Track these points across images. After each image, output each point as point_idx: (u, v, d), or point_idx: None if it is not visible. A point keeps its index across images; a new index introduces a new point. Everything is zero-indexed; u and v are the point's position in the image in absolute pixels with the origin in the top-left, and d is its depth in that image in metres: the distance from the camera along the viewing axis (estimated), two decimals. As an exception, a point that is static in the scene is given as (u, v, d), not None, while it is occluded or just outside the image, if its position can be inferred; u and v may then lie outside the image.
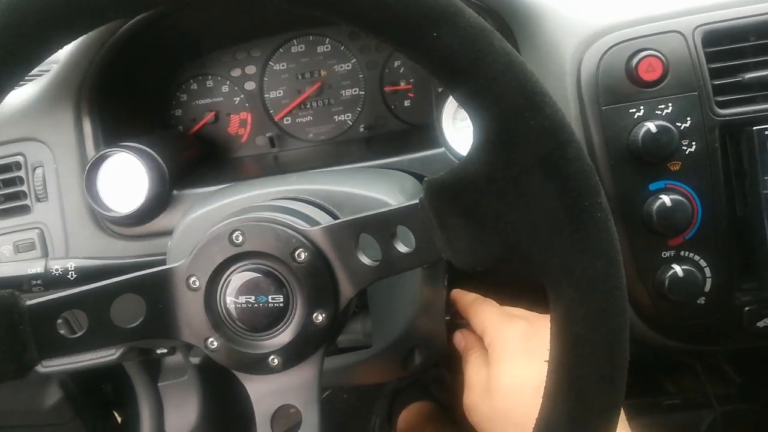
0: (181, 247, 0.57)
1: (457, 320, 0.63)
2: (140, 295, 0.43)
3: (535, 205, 0.33)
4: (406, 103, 0.82)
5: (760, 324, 0.55)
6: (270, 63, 0.82)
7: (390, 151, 0.69)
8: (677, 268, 0.54)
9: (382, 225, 0.41)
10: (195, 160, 0.77)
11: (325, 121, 0.83)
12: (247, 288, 0.44)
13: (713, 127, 0.53)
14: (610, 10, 0.60)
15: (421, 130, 0.80)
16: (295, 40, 0.81)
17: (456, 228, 0.36)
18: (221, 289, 0.44)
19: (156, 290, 0.44)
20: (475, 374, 0.53)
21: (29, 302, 0.41)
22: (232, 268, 0.44)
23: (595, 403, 0.33)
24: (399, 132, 0.82)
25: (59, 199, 0.69)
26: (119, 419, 1.37)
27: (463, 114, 0.63)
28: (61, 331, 0.41)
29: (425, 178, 0.38)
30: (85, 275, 0.57)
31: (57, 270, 0.56)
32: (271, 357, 0.44)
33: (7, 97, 0.38)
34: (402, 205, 0.39)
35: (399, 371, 0.62)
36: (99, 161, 0.66)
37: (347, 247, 0.42)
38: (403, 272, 0.42)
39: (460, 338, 0.59)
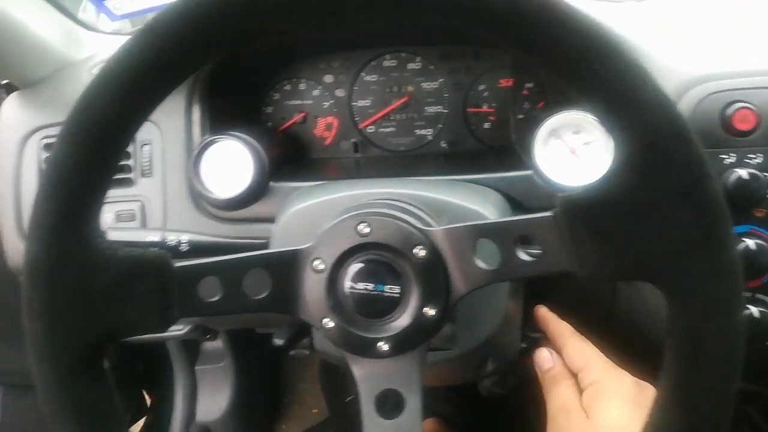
0: (287, 233, 0.61)
1: (530, 334, 0.66)
2: (268, 270, 0.47)
3: (671, 230, 0.36)
4: (486, 125, 0.86)
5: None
6: (362, 74, 0.87)
7: (471, 168, 0.73)
8: (754, 309, 0.57)
9: (507, 232, 0.44)
10: (285, 156, 0.82)
11: (407, 134, 0.88)
12: (367, 275, 0.48)
13: None
14: (706, 60, 0.64)
15: (498, 152, 0.84)
16: (388, 55, 0.86)
17: (589, 243, 0.40)
18: (343, 274, 0.48)
19: (282, 268, 0.48)
20: (569, 399, 0.55)
21: (177, 264, 0.45)
22: (355, 256, 0.48)
23: (708, 416, 0.37)
24: (477, 151, 0.86)
25: (163, 176, 0.73)
26: (148, 400, 1.41)
27: (552, 141, 0.68)
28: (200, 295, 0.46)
29: (559, 194, 0.42)
30: (195, 249, 0.62)
31: (171, 241, 0.60)
32: (381, 342, 0.47)
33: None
34: (532, 216, 0.43)
35: (473, 376, 0.66)
36: (208, 145, 0.70)
37: (465, 249, 0.46)
38: (517, 279, 0.46)
39: (549, 358, 0.59)
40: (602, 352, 0.58)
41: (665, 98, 0.36)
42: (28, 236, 0.41)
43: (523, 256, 0.44)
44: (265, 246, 0.63)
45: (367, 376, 0.48)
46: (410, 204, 0.58)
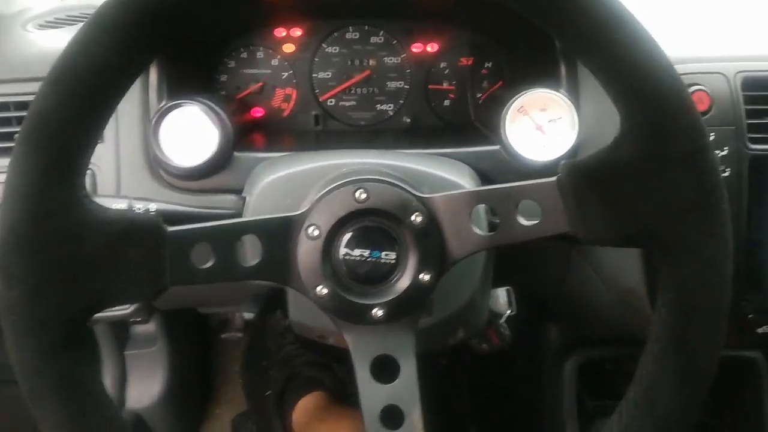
0: (261, 206, 0.59)
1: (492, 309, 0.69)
2: (260, 237, 0.46)
3: (673, 193, 0.39)
4: (446, 102, 0.87)
5: (760, 330, 0.65)
6: (323, 45, 0.85)
7: (434, 143, 0.74)
8: None
9: (507, 198, 0.45)
10: (245, 126, 0.79)
11: (368, 108, 0.87)
12: (363, 242, 0.47)
13: (744, 158, 0.63)
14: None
15: (458, 129, 0.86)
16: (351, 27, 0.85)
17: (592, 207, 0.41)
18: (338, 241, 0.48)
19: (275, 235, 0.46)
20: None
21: (170, 229, 0.42)
22: (351, 222, 0.48)
23: (700, 364, 0.40)
24: (438, 127, 0.87)
25: (116, 143, 0.68)
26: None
27: (519, 118, 0.70)
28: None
29: (563, 161, 0.43)
30: (165, 219, 0.58)
31: (139, 209, 0.56)
32: (376, 309, 0.47)
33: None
34: (535, 182, 0.45)
35: (442, 344, 0.67)
36: (169, 110, 0.66)
37: (462, 215, 0.47)
38: (514, 243, 0.47)
39: None
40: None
41: (673, 69, 0.39)
42: (5, 195, 0.37)
43: (522, 220, 0.45)
44: (235, 216, 0.61)
45: (361, 343, 0.48)
46: (395, 172, 0.58)
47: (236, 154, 0.69)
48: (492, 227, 0.48)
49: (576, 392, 1.01)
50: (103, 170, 0.68)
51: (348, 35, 0.85)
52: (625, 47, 0.38)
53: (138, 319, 0.93)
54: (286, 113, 0.86)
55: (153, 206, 0.58)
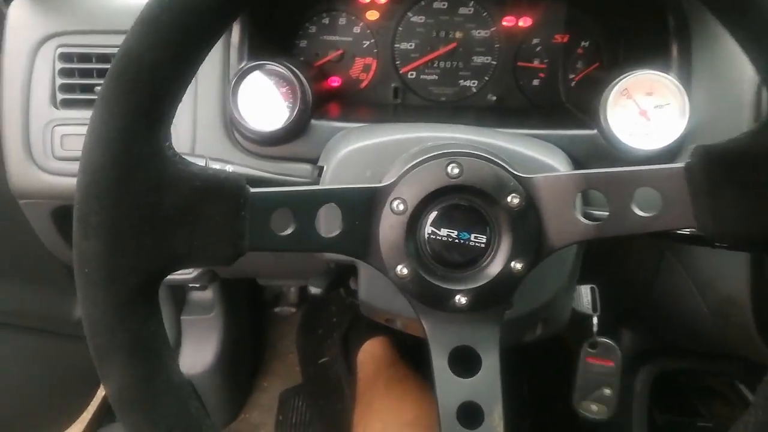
0: (339, 176, 0.56)
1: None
2: (342, 207, 0.42)
3: None
4: (535, 82, 0.81)
5: None
6: (408, 14, 0.80)
7: (522, 124, 0.68)
8: None
9: (622, 183, 0.40)
10: (323, 93, 0.76)
11: (450, 83, 0.82)
12: (452, 221, 0.44)
13: None
14: None
15: (548, 111, 0.80)
16: (440, -5, 0.80)
17: (728, 200, 0.36)
18: (425, 218, 0.44)
19: (358, 206, 0.43)
20: None
21: (253, 190, 0.39)
22: (440, 199, 0.44)
23: None
24: (524, 108, 0.81)
25: (194, 101, 0.66)
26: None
27: (623, 101, 0.63)
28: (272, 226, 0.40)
29: (696, 145, 0.37)
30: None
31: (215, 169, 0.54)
32: (459, 296, 0.43)
33: None
34: (657, 167, 0.39)
35: (517, 340, 0.62)
36: (249, 71, 0.64)
37: (566, 200, 0.42)
38: (624, 235, 0.41)
39: None
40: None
41: None
42: (88, 139, 0.35)
43: (638, 211, 0.40)
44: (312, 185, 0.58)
45: (441, 331, 0.44)
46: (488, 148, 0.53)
47: (313, 121, 0.66)
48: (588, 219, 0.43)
49: (647, 404, 0.94)
50: (179, 129, 0.66)
51: (436, 4, 0.80)
52: None
53: (198, 285, 0.92)
54: (364, 84, 0.83)
55: (230, 167, 0.55)
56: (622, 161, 0.62)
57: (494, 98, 0.81)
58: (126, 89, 0.34)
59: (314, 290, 0.61)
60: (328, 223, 0.43)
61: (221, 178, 0.38)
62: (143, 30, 0.35)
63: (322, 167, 0.58)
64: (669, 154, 0.62)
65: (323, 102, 0.77)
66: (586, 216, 0.43)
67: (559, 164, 0.56)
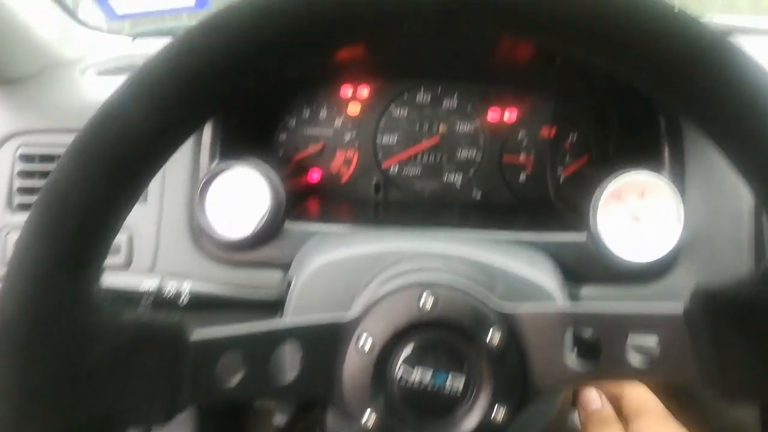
0: (311, 290, 0.51)
1: None
2: (301, 345, 0.37)
3: None
4: (522, 177, 0.78)
5: None
6: (391, 106, 0.78)
7: (509, 225, 0.65)
8: None
9: (615, 325, 0.36)
10: (300, 191, 0.72)
11: (434, 178, 0.79)
12: (425, 361, 0.39)
13: None
14: None
15: (535, 208, 0.76)
16: (423, 88, 0.78)
17: (738, 352, 0.31)
18: (395, 357, 0.39)
19: (319, 344, 0.38)
20: None
21: (194, 336, 0.35)
22: (412, 335, 0.39)
23: None
24: (511, 205, 0.78)
25: (159, 204, 0.63)
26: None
27: (613, 203, 0.60)
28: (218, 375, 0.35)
29: (696, 287, 0.33)
30: (196, 302, 0.51)
31: (170, 291, 0.49)
32: None
33: None
34: (655, 311, 0.35)
35: None
36: (219, 172, 0.60)
37: (554, 339, 0.37)
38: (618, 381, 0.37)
39: (596, 399, 0.52)
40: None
41: None
42: (5, 281, 0.31)
43: (633, 357, 0.35)
44: (279, 302, 0.53)
45: None
46: (468, 269, 0.49)
47: (287, 224, 0.62)
48: (582, 348, 0.38)
49: None
50: (143, 234, 0.62)
51: (419, 97, 0.78)
52: None
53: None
54: (344, 179, 0.79)
55: (186, 286, 0.51)
56: (615, 272, 0.58)
57: (479, 195, 0.77)
58: (47, 228, 0.30)
59: (279, 421, 0.55)
60: (290, 359, 0.38)
61: (156, 326, 0.33)
62: (72, 162, 0.31)
63: (290, 281, 0.53)
64: (664, 266, 0.57)
65: (301, 198, 0.74)
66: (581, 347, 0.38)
67: (546, 281, 0.51)
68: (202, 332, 0.35)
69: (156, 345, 0.33)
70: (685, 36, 0.27)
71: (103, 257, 0.33)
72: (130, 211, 0.33)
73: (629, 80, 0.29)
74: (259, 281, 0.61)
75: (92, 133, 0.30)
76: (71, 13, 0.78)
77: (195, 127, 0.31)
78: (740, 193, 0.58)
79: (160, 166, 0.33)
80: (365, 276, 0.49)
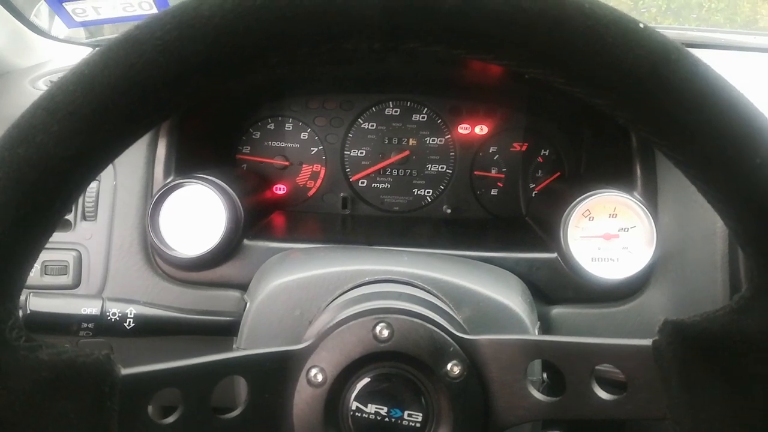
0: (265, 313, 0.48)
1: None
2: (247, 378, 0.35)
3: None
4: (493, 192, 0.77)
5: None
6: (359, 120, 0.76)
7: (480, 242, 0.62)
8: None
9: (580, 358, 0.33)
10: (261, 207, 0.69)
11: (403, 192, 0.77)
12: (381, 396, 0.36)
13: None
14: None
15: (506, 224, 0.74)
16: (391, 102, 0.76)
17: (709, 392, 0.29)
18: (348, 392, 0.36)
19: (266, 377, 0.35)
20: None
21: (124, 372, 0.31)
22: (367, 368, 0.36)
23: None
24: (481, 220, 0.76)
25: (109, 222, 0.59)
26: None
27: (584, 223, 0.58)
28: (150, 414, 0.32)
29: (665, 319, 0.31)
30: (144, 326, 0.47)
31: (114, 315, 0.46)
32: None
33: None
34: (621, 343, 0.33)
35: None
36: (172, 189, 0.57)
37: (516, 370, 0.35)
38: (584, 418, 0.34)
39: None
40: None
41: None
42: None
43: (600, 392, 0.33)
44: (234, 324, 0.50)
45: None
46: (430, 292, 0.46)
47: (246, 242, 0.59)
48: (551, 383, 0.36)
49: None
50: (91, 252, 0.59)
51: (387, 111, 0.76)
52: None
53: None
54: (311, 192, 0.77)
55: (131, 310, 0.47)
56: (585, 291, 0.56)
57: (449, 210, 0.75)
58: None
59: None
60: (237, 391, 0.36)
61: (78, 364, 0.30)
62: None
63: (246, 302, 0.50)
64: (636, 285, 0.56)
65: (266, 212, 0.71)
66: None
67: (513, 302, 0.49)
68: (133, 368, 0.32)
69: (78, 385, 0.30)
70: (638, 51, 0.25)
71: (17, 289, 0.29)
72: (47, 241, 0.29)
73: (586, 97, 0.27)
74: (216, 302, 0.58)
75: (3, 154, 0.27)
76: (25, 21, 0.75)
77: (114, 151, 0.28)
78: (713, 213, 0.56)
79: (78, 194, 0.30)
80: (322, 299, 0.46)
